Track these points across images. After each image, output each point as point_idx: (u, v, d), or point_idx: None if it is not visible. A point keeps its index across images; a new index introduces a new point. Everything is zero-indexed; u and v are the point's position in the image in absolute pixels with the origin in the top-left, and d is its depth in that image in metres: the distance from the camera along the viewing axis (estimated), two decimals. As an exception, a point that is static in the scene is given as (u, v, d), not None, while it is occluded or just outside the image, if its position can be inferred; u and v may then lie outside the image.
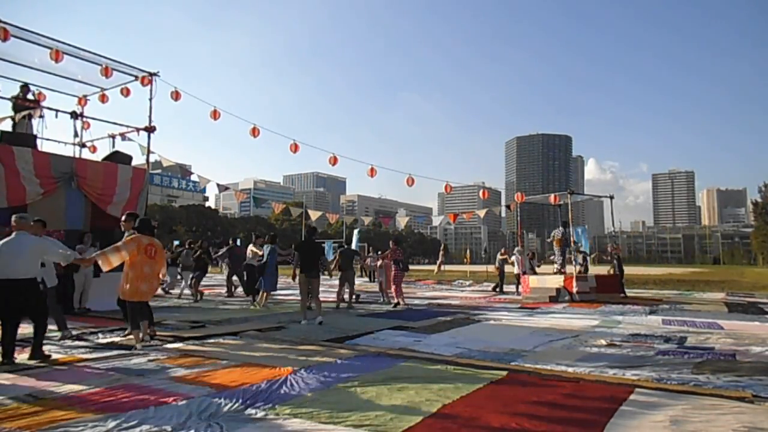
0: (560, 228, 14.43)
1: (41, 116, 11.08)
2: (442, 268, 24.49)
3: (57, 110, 11.09)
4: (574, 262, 13.91)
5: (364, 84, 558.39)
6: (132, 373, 4.75)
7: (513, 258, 16.38)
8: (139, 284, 6.23)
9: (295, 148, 14.55)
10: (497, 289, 16.32)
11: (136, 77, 12.20)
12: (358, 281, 16.65)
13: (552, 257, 16.55)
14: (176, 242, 21.55)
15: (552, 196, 15.35)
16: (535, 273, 16.11)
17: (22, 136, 10.20)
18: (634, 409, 3.68)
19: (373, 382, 4.47)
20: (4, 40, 9.75)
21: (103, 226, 10.41)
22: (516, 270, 15.98)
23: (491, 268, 17.11)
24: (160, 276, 6.63)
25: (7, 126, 10.77)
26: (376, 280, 13.33)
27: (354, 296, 12.25)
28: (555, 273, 14.10)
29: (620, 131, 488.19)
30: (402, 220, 33.41)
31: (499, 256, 17.28)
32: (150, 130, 12.08)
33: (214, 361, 5.33)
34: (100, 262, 6.10)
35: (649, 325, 8.49)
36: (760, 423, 3.33)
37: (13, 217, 5.56)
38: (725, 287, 19.44)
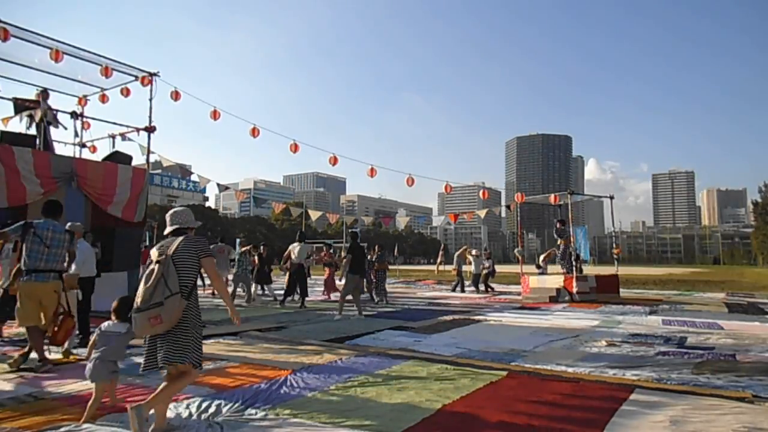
0: (560, 226, 14.47)
1: (43, 117, 11.08)
2: (442, 267, 24.52)
3: (57, 110, 11.08)
4: (570, 263, 13.88)
5: (364, 84, 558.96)
6: (132, 373, 4.75)
7: (470, 258, 16.91)
8: None
9: (295, 148, 14.54)
10: (456, 289, 16.66)
11: (136, 77, 12.19)
12: None
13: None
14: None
15: (552, 196, 15.34)
16: (493, 274, 16.97)
17: (22, 136, 10.20)
18: (634, 409, 3.68)
19: (373, 382, 4.47)
20: (4, 40, 9.74)
21: (103, 226, 10.40)
22: (473, 270, 16.57)
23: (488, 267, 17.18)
24: None
25: (13, 127, 10.86)
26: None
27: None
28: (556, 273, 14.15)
29: (620, 131, 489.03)
30: (402, 220, 33.48)
31: (456, 256, 17.48)
32: (150, 130, 12.06)
33: (214, 361, 5.33)
34: None
35: (649, 325, 8.49)
36: (760, 423, 3.33)
37: (76, 225, 6.10)
38: (725, 287, 19.44)
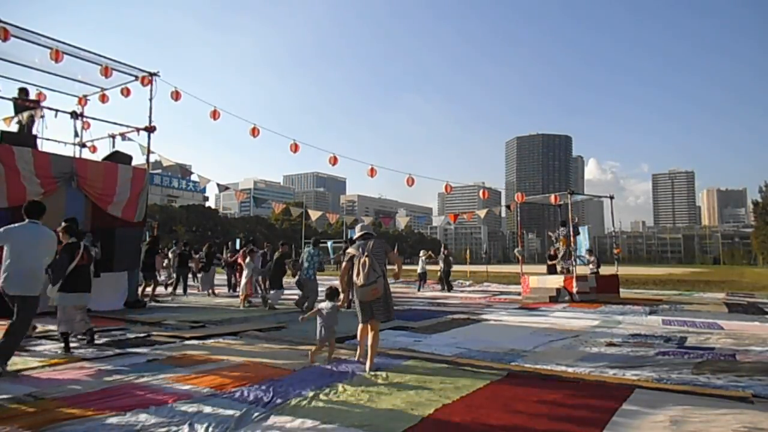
0: (561, 228, 14.55)
1: (42, 116, 11.07)
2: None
3: (57, 110, 11.08)
4: (577, 262, 13.89)
5: (364, 85, 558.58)
6: (132, 373, 4.75)
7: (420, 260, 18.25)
8: None
9: (295, 148, 14.54)
10: (420, 289, 17.62)
11: (136, 77, 12.20)
12: None
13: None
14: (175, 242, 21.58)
15: (552, 196, 15.33)
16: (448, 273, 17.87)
17: (22, 136, 10.20)
18: (634, 409, 3.68)
19: (373, 382, 4.47)
20: (4, 40, 9.74)
21: (103, 226, 10.40)
22: (419, 269, 18.01)
23: (491, 268, 17.46)
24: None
25: (13, 127, 10.80)
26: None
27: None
28: (560, 272, 14.20)
29: (620, 131, 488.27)
30: (402, 220, 33.41)
31: (422, 255, 18.43)
32: (150, 130, 12.07)
33: (214, 361, 5.33)
34: None
35: (649, 325, 8.49)
36: (760, 423, 3.33)
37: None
38: (725, 287, 19.44)
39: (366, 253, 4.82)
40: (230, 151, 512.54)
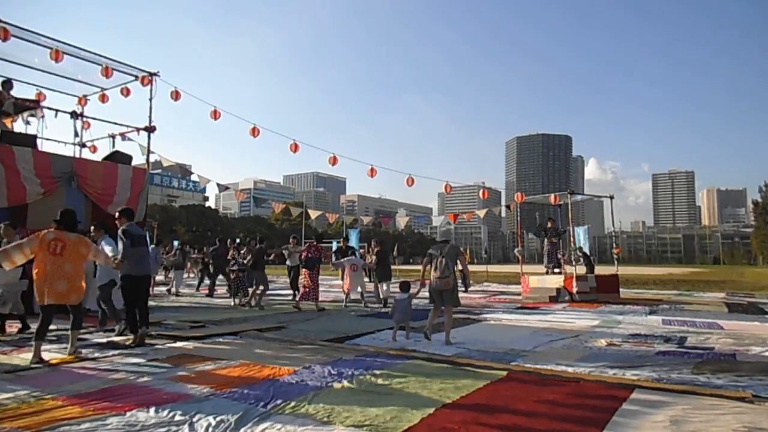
0: (551, 228, 14.53)
1: (42, 116, 11.08)
2: None
3: (57, 110, 11.08)
4: (573, 263, 13.90)
5: (365, 85, 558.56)
6: (132, 373, 4.75)
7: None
8: (42, 285, 5.39)
9: (295, 148, 14.53)
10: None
11: (136, 77, 12.19)
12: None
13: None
14: (176, 242, 21.59)
15: (552, 196, 15.32)
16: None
17: (22, 136, 10.20)
18: (634, 409, 3.68)
19: (373, 382, 4.47)
20: (4, 40, 9.73)
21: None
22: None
23: (491, 268, 17.31)
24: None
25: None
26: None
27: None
28: (546, 273, 14.23)
29: (620, 131, 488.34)
30: (402, 220, 33.47)
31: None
32: (150, 130, 12.06)
33: (214, 361, 5.33)
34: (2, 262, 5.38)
35: (649, 325, 8.49)
36: (760, 423, 3.33)
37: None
38: (725, 287, 19.43)
39: (442, 254, 6.17)
40: (230, 151, 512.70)
